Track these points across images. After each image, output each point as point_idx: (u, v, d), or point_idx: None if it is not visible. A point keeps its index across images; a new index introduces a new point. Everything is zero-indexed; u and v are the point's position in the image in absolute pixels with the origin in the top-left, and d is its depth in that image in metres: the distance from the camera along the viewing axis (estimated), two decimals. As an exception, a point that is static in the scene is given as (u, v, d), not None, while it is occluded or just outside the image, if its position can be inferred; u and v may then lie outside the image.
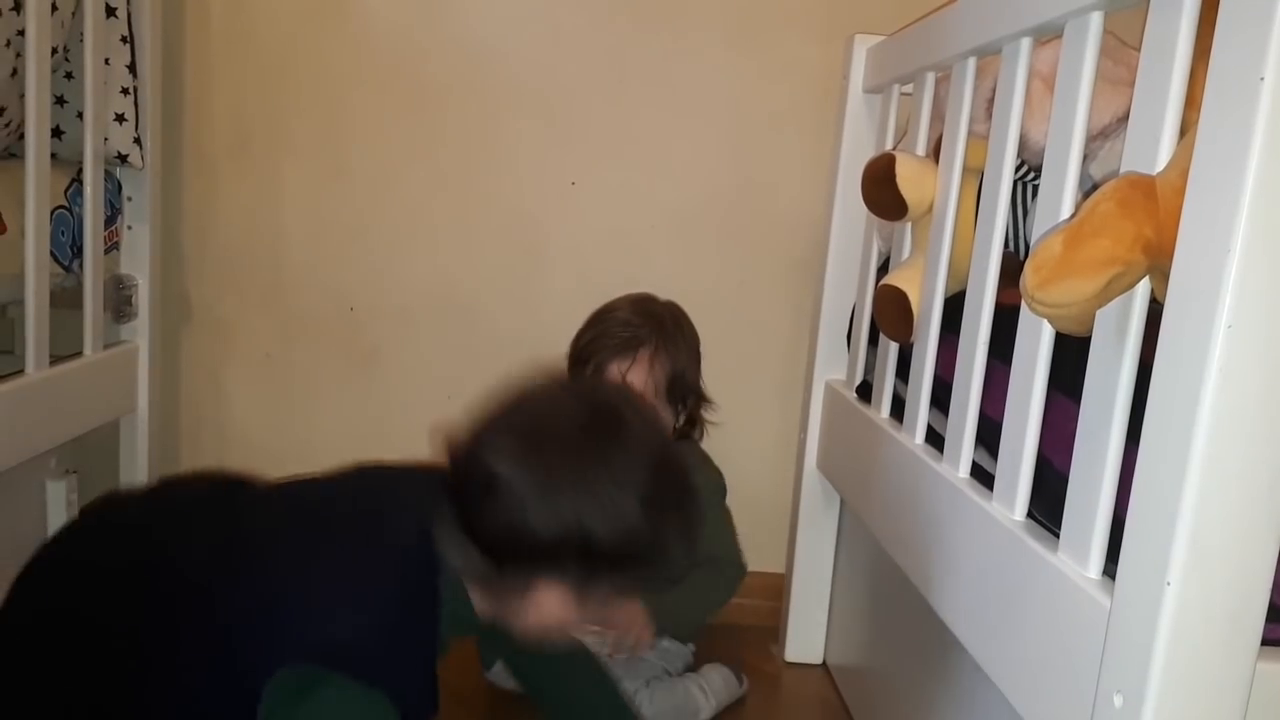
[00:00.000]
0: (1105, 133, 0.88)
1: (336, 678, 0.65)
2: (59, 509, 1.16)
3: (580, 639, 0.94)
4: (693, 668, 1.20)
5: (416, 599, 0.70)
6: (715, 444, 1.36)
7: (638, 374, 1.15)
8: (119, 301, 1.24)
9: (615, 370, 1.15)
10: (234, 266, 1.39)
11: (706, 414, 1.24)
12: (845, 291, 1.23)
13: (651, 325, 1.18)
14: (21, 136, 1.01)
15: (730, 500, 1.41)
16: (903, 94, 1.10)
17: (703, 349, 1.26)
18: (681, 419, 1.20)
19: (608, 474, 0.67)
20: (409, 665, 0.69)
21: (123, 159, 1.20)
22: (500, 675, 1.16)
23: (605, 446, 0.68)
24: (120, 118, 1.19)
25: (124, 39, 1.18)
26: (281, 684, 0.64)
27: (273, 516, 0.74)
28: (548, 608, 0.70)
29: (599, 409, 0.70)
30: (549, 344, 1.42)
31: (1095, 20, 0.63)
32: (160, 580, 0.69)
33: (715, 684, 1.17)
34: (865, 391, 1.11)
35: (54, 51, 1.04)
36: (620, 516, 0.66)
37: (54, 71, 1.06)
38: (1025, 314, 0.67)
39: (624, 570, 0.69)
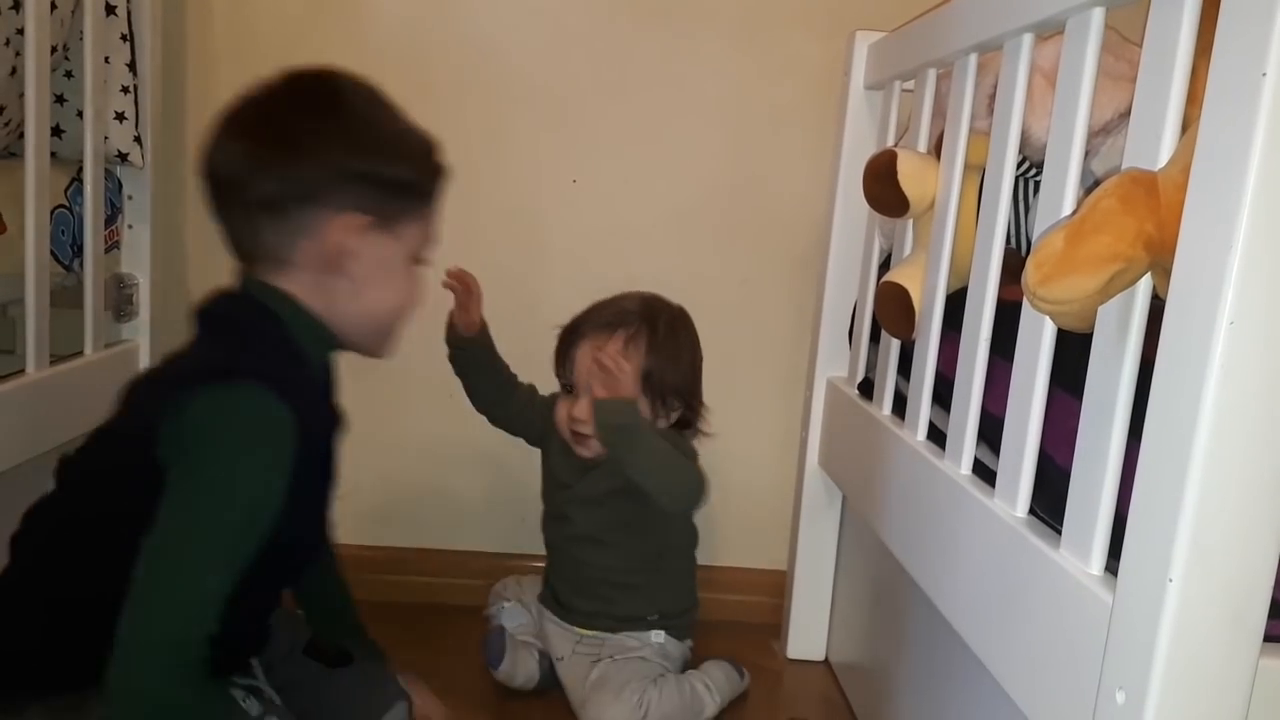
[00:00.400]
0: (1107, 129, 0.88)
1: (218, 385, 0.70)
2: (61, 508, 1.16)
3: None
4: (692, 664, 1.20)
5: (261, 331, 0.77)
6: (717, 440, 1.35)
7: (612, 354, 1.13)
8: (120, 301, 1.24)
9: (590, 345, 1.14)
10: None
11: (701, 424, 1.21)
12: (847, 288, 1.23)
13: (643, 316, 1.16)
14: (21, 135, 1.01)
15: (732, 497, 1.42)
16: (904, 90, 1.10)
17: (705, 346, 1.25)
18: (664, 420, 1.17)
19: (337, 99, 0.77)
20: (288, 379, 0.73)
21: (123, 158, 1.20)
22: (508, 673, 1.16)
23: (313, 94, 0.78)
24: (120, 116, 1.18)
25: (124, 37, 1.18)
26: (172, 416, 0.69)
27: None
28: (353, 240, 0.76)
29: (295, 76, 0.79)
30: (549, 341, 1.42)
31: (1097, 16, 0.63)
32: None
33: (718, 679, 1.17)
34: (867, 388, 1.11)
35: (53, 50, 1.03)
36: (368, 139, 0.76)
37: (53, 70, 1.06)
38: (1027, 310, 0.67)
39: (387, 178, 0.77)
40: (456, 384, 1.41)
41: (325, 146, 0.75)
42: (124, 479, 0.73)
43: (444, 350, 1.46)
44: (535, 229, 1.40)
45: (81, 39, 1.09)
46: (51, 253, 1.06)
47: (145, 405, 0.75)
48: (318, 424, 0.80)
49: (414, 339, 1.40)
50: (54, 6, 1.01)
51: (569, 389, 1.16)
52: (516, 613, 1.24)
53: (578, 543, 1.18)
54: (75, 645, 0.73)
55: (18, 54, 0.98)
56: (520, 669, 1.17)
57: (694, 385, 1.19)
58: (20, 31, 0.97)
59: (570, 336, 1.17)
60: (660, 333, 1.16)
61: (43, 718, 0.72)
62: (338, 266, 0.76)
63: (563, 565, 1.21)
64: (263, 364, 0.74)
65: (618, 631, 1.16)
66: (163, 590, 0.67)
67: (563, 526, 1.19)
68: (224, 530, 0.69)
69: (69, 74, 1.12)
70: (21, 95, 0.99)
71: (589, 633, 1.17)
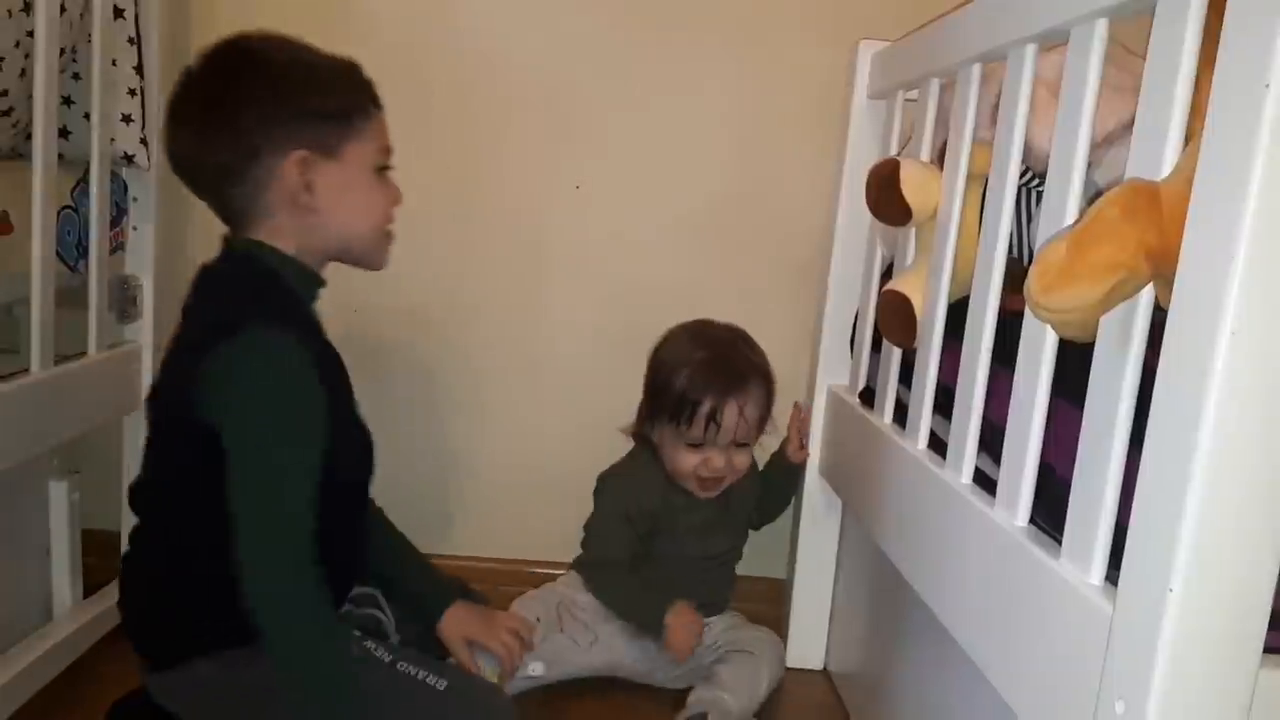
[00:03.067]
0: (1110, 139, 0.88)
1: (233, 337, 0.77)
2: (60, 508, 1.16)
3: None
4: None
5: (256, 282, 0.84)
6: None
7: (754, 405, 1.18)
8: (123, 302, 1.25)
9: (735, 407, 1.16)
10: (238, 267, 1.39)
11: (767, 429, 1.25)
12: (849, 297, 1.24)
13: (741, 354, 1.20)
14: (29, 137, 1.01)
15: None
16: (907, 100, 1.10)
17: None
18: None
19: (248, 57, 0.85)
20: (289, 318, 0.82)
21: (129, 159, 1.21)
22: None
23: (222, 64, 0.85)
24: (127, 119, 1.19)
25: (131, 40, 1.19)
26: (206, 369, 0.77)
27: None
28: (307, 175, 0.82)
29: (207, 54, 0.86)
30: (551, 345, 1.42)
31: (1101, 27, 0.63)
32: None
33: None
34: (868, 397, 1.11)
35: (61, 52, 1.04)
36: (284, 84, 0.83)
37: (61, 72, 1.06)
38: (1029, 320, 0.67)
39: (313, 110, 0.83)
40: (459, 387, 1.42)
41: (252, 103, 0.81)
42: (178, 445, 0.82)
43: (447, 354, 1.46)
44: (538, 234, 1.40)
45: (89, 42, 1.10)
46: (57, 253, 1.07)
47: (173, 379, 0.83)
48: (325, 353, 0.86)
49: (418, 340, 1.41)
50: (63, 9, 1.02)
51: (697, 444, 1.18)
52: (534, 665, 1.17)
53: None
54: (209, 601, 0.79)
55: (27, 56, 0.98)
56: None
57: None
58: (30, 34, 0.98)
59: (696, 408, 1.16)
60: (759, 357, 1.22)
61: (210, 670, 0.80)
62: (304, 202, 0.83)
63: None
64: (265, 309, 0.81)
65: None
66: (262, 508, 0.77)
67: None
68: (290, 447, 0.78)
69: (76, 76, 1.13)
70: (30, 97, 1.00)
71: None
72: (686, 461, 1.18)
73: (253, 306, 0.81)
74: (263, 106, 0.81)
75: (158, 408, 0.85)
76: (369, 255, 0.90)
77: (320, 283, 0.89)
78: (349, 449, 0.88)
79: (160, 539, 0.85)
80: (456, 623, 0.98)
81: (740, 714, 1.12)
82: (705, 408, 1.15)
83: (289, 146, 0.81)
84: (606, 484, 1.24)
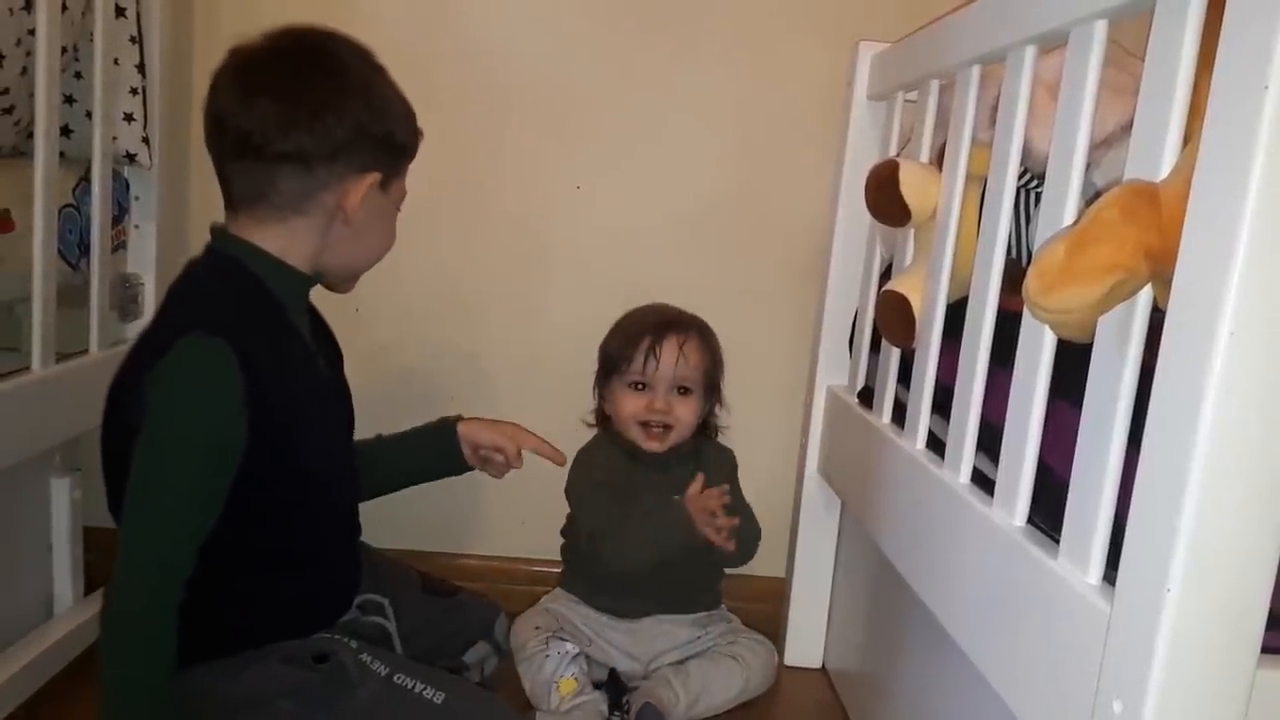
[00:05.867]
0: (1109, 140, 0.88)
1: (181, 341, 0.76)
2: (62, 505, 1.16)
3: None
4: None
5: (224, 286, 0.82)
6: (717, 448, 1.35)
7: (694, 348, 1.20)
8: (125, 300, 1.25)
9: (675, 341, 1.19)
10: (239, 266, 1.40)
11: (718, 417, 1.28)
12: (848, 297, 1.24)
13: (691, 317, 1.25)
14: (31, 135, 1.01)
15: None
16: (907, 101, 1.10)
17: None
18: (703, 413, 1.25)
19: (355, 72, 0.83)
20: (244, 326, 0.79)
21: (131, 158, 1.21)
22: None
23: (327, 57, 0.83)
24: (129, 117, 1.19)
25: (133, 39, 1.19)
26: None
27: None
28: (361, 195, 0.82)
29: (301, 36, 0.85)
30: (552, 346, 1.42)
31: (1100, 28, 0.63)
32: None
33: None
34: (867, 396, 1.11)
35: (63, 51, 1.04)
36: (379, 103, 0.83)
37: (63, 71, 1.06)
38: (1027, 320, 0.67)
39: (395, 141, 0.85)
40: (460, 387, 1.42)
41: (350, 109, 0.80)
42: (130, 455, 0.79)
43: (448, 354, 1.47)
44: (539, 235, 1.40)
45: (91, 40, 1.10)
46: (58, 252, 1.07)
47: (125, 385, 0.82)
48: (291, 362, 0.84)
49: (419, 339, 1.41)
50: (65, 7, 1.02)
51: (640, 386, 1.21)
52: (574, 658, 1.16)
53: None
54: (192, 609, 0.78)
55: (28, 54, 0.99)
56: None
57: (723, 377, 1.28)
58: (31, 32, 0.98)
59: (638, 344, 1.20)
60: (709, 332, 1.25)
61: (203, 677, 0.81)
62: (345, 219, 0.83)
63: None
64: (215, 316, 0.79)
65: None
66: (135, 527, 0.77)
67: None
68: (177, 470, 0.77)
69: (78, 75, 1.13)
70: (31, 95, 1.00)
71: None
72: (631, 405, 1.20)
73: (203, 311, 0.80)
74: (358, 116, 0.81)
75: (112, 413, 0.83)
76: (344, 284, 0.91)
77: (308, 282, 0.87)
78: (317, 444, 0.86)
79: None
80: (471, 430, 1.08)
81: (686, 708, 1.11)
82: (645, 341, 1.19)
83: (368, 164, 0.82)
84: (570, 472, 1.24)
